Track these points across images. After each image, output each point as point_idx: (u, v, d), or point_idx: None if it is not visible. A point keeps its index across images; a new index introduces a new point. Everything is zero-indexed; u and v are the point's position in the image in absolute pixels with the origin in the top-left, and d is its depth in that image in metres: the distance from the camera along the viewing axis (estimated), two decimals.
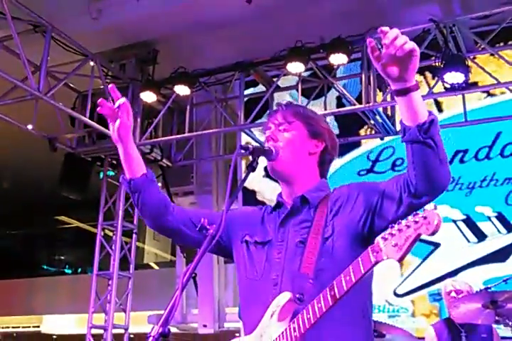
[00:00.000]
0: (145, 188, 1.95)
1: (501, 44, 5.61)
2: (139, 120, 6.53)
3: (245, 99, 6.42)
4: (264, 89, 6.29)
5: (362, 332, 1.75)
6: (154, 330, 1.41)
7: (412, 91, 1.52)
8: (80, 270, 12.04)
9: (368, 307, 1.79)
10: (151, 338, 1.40)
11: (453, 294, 4.22)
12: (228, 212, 2.00)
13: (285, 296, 1.68)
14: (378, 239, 1.48)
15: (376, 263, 1.48)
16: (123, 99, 1.90)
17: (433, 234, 1.38)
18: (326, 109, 6.00)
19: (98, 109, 1.92)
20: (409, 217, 1.44)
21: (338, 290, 1.53)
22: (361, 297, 1.76)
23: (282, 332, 1.64)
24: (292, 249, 1.78)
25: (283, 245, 1.81)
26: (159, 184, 7.38)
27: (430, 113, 1.56)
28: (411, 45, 1.46)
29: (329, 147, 1.94)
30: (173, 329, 8.18)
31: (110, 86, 1.94)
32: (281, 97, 6.70)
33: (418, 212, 1.44)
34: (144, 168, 1.99)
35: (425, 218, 1.40)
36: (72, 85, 6.50)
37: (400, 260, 1.43)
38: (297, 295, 1.64)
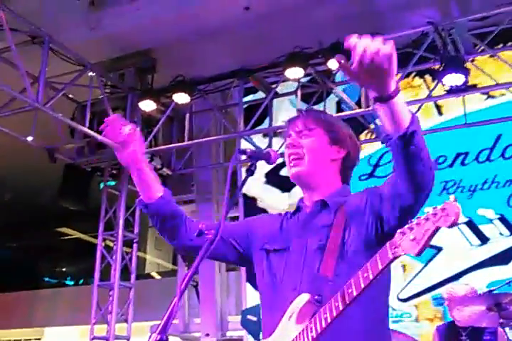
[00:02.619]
0: (163, 212, 1.95)
1: (500, 45, 5.61)
2: (138, 129, 6.49)
3: (244, 106, 6.43)
4: (263, 95, 6.29)
5: (377, 334, 1.74)
6: (152, 338, 1.39)
7: (392, 99, 1.47)
8: (81, 281, 11.99)
9: (386, 309, 1.79)
10: None
11: (446, 302, 4.24)
12: (248, 220, 2.06)
13: (303, 298, 1.67)
14: (397, 233, 1.46)
15: (394, 258, 1.46)
16: (134, 127, 1.94)
17: (452, 226, 1.36)
18: None
19: (106, 130, 1.92)
20: (429, 210, 1.42)
21: (356, 287, 1.51)
22: (379, 299, 1.75)
23: (300, 333, 1.63)
24: (311, 254, 1.77)
25: (302, 251, 1.80)
26: None
27: (412, 121, 1.50)
28: (385, 50, 1.39)
29: (351, 153, 1.93)
30: (176, 339, 8.12)
31: (114, 115, 1.99)
32: (281, 103, 6.71)
33: (437, 206, 1.40)
34: (161, 189, 1.97)
35: (444, 210, 1.37)
36: (71, 96, 6.50)
37: (418, 254, 1.40)
38: (316, 297, 1.63)
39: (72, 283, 12.43)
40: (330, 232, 1.76)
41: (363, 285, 1.50)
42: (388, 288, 1.80)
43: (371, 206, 1.73)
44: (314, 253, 1.76)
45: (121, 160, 1.96)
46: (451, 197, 1.38)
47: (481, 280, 5.60)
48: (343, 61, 1.44)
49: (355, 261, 1.70)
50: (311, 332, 1.59)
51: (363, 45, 1.39)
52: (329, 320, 1.55)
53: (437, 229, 1.38)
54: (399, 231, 1.46)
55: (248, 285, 7.09)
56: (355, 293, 1.51)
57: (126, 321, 6.50)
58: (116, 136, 1.92)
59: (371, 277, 1.49)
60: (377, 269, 1.48)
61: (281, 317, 1.71)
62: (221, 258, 2.01)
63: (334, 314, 1.54)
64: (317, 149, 1.88)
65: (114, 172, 6.86)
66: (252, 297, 7.02)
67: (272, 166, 7.10)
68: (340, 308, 1.53)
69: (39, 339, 10.97)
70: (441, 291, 5.82)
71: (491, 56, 5.49)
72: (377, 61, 1.38)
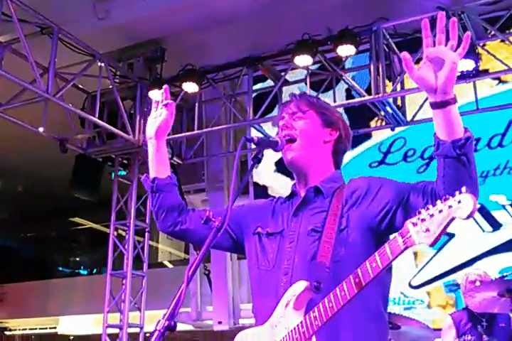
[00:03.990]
0: (168, 190, 2.00)
1: (511, 30, 5.55)
2: (148, 118, 6.52)
3: (254, 94, 6.40)
4: (272, 83, 6.27)
5: (378, 325, 1.74)
6: (160, 324, 1.40)
7: (450, 105, 1.49)
8: (95, 270, 12.10)
9: (386, 300, 1.78)
10: (157, 332, 1.40)
11: (477, 283, 4.18)
12: (239, 206, 2.04)
13: (301, 285, 1.64)
14: (407, 224, 1.44)
15: (406, 248, 1.45)
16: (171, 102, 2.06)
17: (468, 217, 1.35)
18: (335, 102, 5.96)
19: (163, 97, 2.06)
20: (440, 202, 1.40)
21: (363, 277, 1.49)
22: (381, 288, 1.74)
23: (301, 322, 1.60)
24: (304, 238, 1.77)
25: (295, 234, 1.80)
26: None
27: (466, 129, 1.53)
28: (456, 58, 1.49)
29: (343, 136, 1.94)
30: (189, 327, 8.20)
31: (165, 86, 2.10)
32: (290, 91, 6.67)
33: (449, 197, 1.39)
34: (169, 170, 2.04)
35: (459, 202, 1.36)
36: (80, 86, 6.51)
37: (433, 245, 1.39)
38: (314, 284, 1.60)
39: (85, 272, 12.55)
40: (326, 218, 1.75)
41: (372, 275, 1.48)
42: (389, 279, 1.79)
43: (390, 197, 1.70)
44: (308, 237, 1.76)
45: (149, 129, 2.09)
46: (463, 189, 1.37)
47: (493, 267, 5.58)
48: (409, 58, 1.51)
49: (355, 247, 1.70)
50: (316, 320, 1.57)
51: (454, 57, 1.50)
52: (335, 309, 1.53)
53: (453, 220, 1.38)
54: (409, 221, 1.44)
55: None
56: (363, 283, 1.49)
57: (139, 309, 6.56)
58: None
59: (381, 267, 1.47)
60: (387, 259, 1.46)
61: (274, 303, 1.69)
62: (217, 246, 1.99)
63: (341, 303, 1.52)
64: (310, 130, 1.89)
65: (125, 162, 6.88)
66: None
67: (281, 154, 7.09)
68: (348, 298, 1.51)
69: (54, 327, 11.11)
70: (455, 277, 5.84)
71: (502, 41, 5.43)
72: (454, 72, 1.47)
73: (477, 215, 5.98)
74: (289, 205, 1.90)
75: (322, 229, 1.73)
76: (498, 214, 5.90)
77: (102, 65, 6.16)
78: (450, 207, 1.38)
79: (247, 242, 1.94)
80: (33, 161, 9.01)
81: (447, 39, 1.52)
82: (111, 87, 6.30)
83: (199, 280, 7.75)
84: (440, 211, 1.39)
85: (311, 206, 1.83)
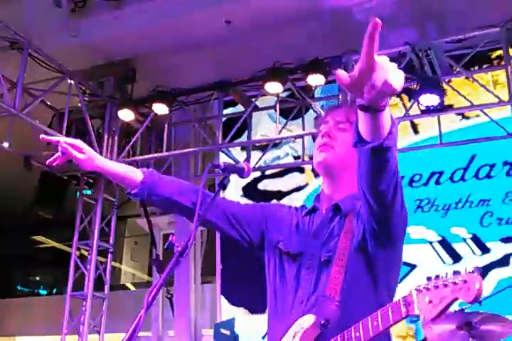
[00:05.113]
0: (151, 194, 1.93)
1: (476, 67, 5.71)
2: (116, 138, 6.50)
3: (224, 118, 6.44)
4: (242, 109, 6.32)
5: None
6: None
7: (381, 111, 1.37)
8: (55, 291, 11.82)
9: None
10: None
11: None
12: (265, 205, 2.03)
13: (309, 319, 1.64)
14: (412, 290, 1.42)
15: (407, 316, 1.42)
16: (60, 139, 1.91)
17: (474, 301, 1.29)
18: (304, 129, 6.03)
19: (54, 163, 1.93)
20: (449, 275, 1.36)
21: (364, 335, 1.49)
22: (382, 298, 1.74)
23: None
24: (320, 267, 1.76)
25: (312, 261, 1.79)
26: (136, 203, 7.31)
27: (390, 132, 1.42)
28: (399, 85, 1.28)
29: None
30: None
31: (41, 136, 1.96)
32: (260, 117, 6.74)
33: (459, 271, 1.34)
34: (140, 175, 1.94)
35: (465, 282, 1.32)
36: (49, 103, 6.45)
37: (434, 320, 1.35)
38: (322, 321, 1.60)
39: (45, 292, 12.24)
40: (338, 243, 1.73)
41: (371, 335, 1.48)
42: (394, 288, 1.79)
43: (360, 212, 1.71)
44: (323, 267, 1.75)
45: (87, 169, 1.95)
46: (474, 268, 1.32)
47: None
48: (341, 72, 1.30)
49: (357, 277, 1.70)
50: None
51: (391, 69, 1.27)
52: None
53: (455, 300, 1.33)
54: (414, 288, 1.42)
55: (223, 299, 7.05)
56: (362, 340, 1.50)
57: (98, 332, 6.41)
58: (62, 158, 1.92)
59: (381, 328, 1.47)
60: (388, 322, 1.46)
61: (285, 329, 1.70)
62: (226, 235, 1.97)
63: None
64: (350, 146, 1.76)
65: (90, 181, 6.80)
66: (226, 310, 6.98)
67: (249, 180, 7.11)
68: None
69: None
70: None
71: (467, 78, 5.58)
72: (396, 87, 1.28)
73: (438, 247, 6.05)
74: (309, 222, 1.88)
75: (332, 256, 1.73)
76: (458, 247, 5.98)
77: (72, 82, 6.11)
78: (455, 284, 1.33)
79: (268, 253, 1.93)
80: None
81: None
82: (80, 105, 6.26)
83: (161, 304, 7.63)
84: (445, 285, 1.35)
85: (328, 227, 1.82)
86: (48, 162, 1.93)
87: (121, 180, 1.95)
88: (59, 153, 1.90)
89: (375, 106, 1.33)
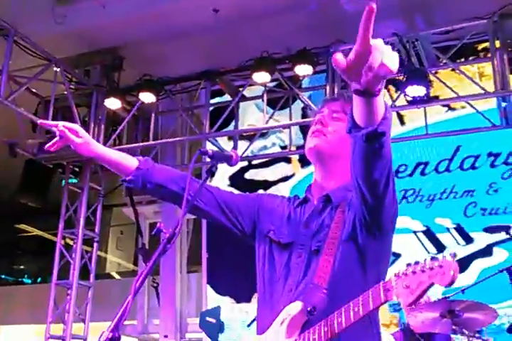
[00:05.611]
0: (146, 181, 1.92)
1: (462, 59, 5.76)
2: (102, 127, 6.46)
3: (211, 108, 6.43)
4: (230, 98, 6.31)
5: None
6: (104, 336, 1.39)
7: (375, 96, 1.36)
8: (39, 279, 11.77)
9: (376, 316, 1.79)
10: None
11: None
12: (259, 195, 2.04)
13: (296, 306, 1.66)
14: (392, 277, 1.45)
15: (386, 301, 1.45)
16: (59, 123, 1.88)
17: (449, 285, 1.33)
18: (291, 119, 6.05)
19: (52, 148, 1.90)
20: (426, 261, 1.39)
21: (346, 319, 1.52)
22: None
23: None
24: (309, 256, 1.77)
25: (302, 250, 1.79)
26: (122, 192, 7.30)
27: (384, 117, 1.43)
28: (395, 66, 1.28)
29: None
30: (134, 340, 8.05)
31: (39, 121, 1.96)
32: (247, 107, 6.73)
33: (437, 257, 1.37)
34: (135, 162, 1.94)
35: (441, 267, 1.35)
36: (34, 90, 6.39)
37: (410, 305, 1.39)
38: (308, 308, 1.62)
39: (29, 281, 12.19)
40: (328, 233, 1.75)
41: (352, 320, 1.51)
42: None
43: (352, 201, 1.72)
44: (313, 256, 1.76)
45: (83, 155, 1.94)
46: (450, 254, 1.35)
47: (436, 287, 5.69)
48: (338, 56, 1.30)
49: (347, 266, 1.71)
50: None
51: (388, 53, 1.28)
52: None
53: (431, 285, 1.36)
54: (394, 273, 1.45)
55: (209, 288, 7.08)
56: (344, 325, 1.53)
57: (83, 321, 6.42)
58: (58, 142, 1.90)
59: (361, 313, 1.50)
60: (368, 308, 1.49)
61: (273, 316, 1.72)
62: (215, 221, 1.97)
63: (323, 339, 1.57)
64: (343, 135, 1.70)
65: (76, 169, 6.77)
66: (212, 299, 7.01)
67: (236, 169, 7.12)
68: (329, 335, 1.55)
69: None
70: None
71: (453, 69, 5.62)
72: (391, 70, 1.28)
73: (422, 237, 6.12)
74: (301, 212, 1.88)
75: (322, 245, 1.74)
76: (442, 237, 6.05)
77: (58, 70, 6.06)
78: (431, 269, 1.36)
79: (258, 241, 1.93)
80: None
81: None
82: (65, 92, 6.21)
83: (147, 292, 7.65)
84: (422, 271, 1.39)
85: (319, 218, 1.82)
86: (46, 147, 1.91)
87: (116, 167, 1.94)
88: (57, 138, 1.88)
89: (370, 90, 1.34)
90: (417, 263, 1.41)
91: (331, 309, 1.59)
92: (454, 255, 1.35)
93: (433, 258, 1.38)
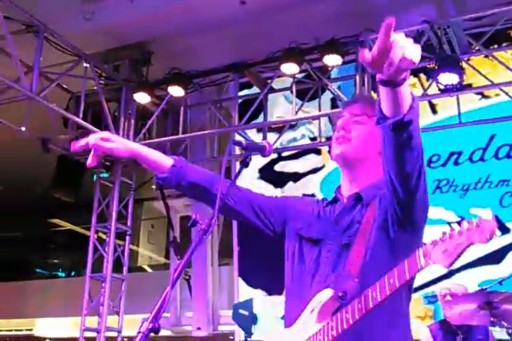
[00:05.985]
0: (180, 179, 1.92)
1: (495, 46, 5.61)
2: (132, 121, 6.51)
3: (239, 100, 6.41)
4: (258, 90, 6.28)
5: (400, 332, 1.75)
6: (144, 326, 1.38)
7: (400, 86, 1.40)
8: (73, 273, 11.98)
9: (406, 305, 1.78)
10: (140, 334, 1.37)
11: (448, 298, 4.20)
12: (287, 197, 2.07)
13: (327, 293, 1.67)
14: (427, 244, 1.45)
15: (422, 268, 1.46)
16: (88, 139, 1.83)
17: (487, 241, 1.35)
18: (320, 111, 6.00)
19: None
20: (463, 224, 1.40)
21: (381, 293, 1.52)
22: (400, 297, 1.74)
23: (320, 330, 1.64)
24: (339, 251, 1.78)
25: (332, 246, 1.80)
26: (153, 186, 7.35)
27: (411, 106, 1.45)
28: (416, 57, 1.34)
29: None
30: (167, 332, 8.14)
31: (72, 144, 1.87)
32: (276, 99, 6.70)
33: (472, 220, 1.38)
34: (169, 160, 1.94)
35: (478, 226, 1.36)
36: (65, 86, 6.46)
37: (449, 266, 1.40)
38: (340, 294, 1.63)
39: (63, 274, 12.41)
40: (359, 228, 1.76)
41: (388, 292, 1.51)
42: (411, 286, 1.80)
43: (385, 197, 1.72)
44: (343, 251, 1.77)
45: (123, 156, 1.91)
46: (489, 213, 1.35)
47: (472, 279, 5.61)
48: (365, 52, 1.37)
49: (378, 255, 1.72)
50: (332, 330, 1.61)
51: (408, 46, 1.32)
52: (351, 322, 1.57)
53: (470, 244, 1.37)
54: (430, 241, 1.45)
55: (240, 280, 7.10)
56: (379, 299, 1.52)
57: (117, 313, 6.50)
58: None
59: (397, 285, 1.49)
60: (404, 278, 1.49)
61: (303, 307, 1.73)
62: (248, 223, 1.99)
63: (357, 316, 1.56)
64: (368, 138, 1.82)
65: (108, 164, 6.83)
66: (244, 291, 7.03)
67: (266, 161, 7.10)
68: (363, 311, 1.54)
69: (30, 329, 10.96)
70: (434, 289, 5.87)
71: (486, 56, 5.49)
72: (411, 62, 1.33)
73: (457, 228, 6.02)
74: (331, 211, 1.90)
75: (354, 241, 1.75)
76: None
77: (88, 65, 6.11)
78: (468, 230, 1.37)
79: (288, 240, 1.94)
80: (14, 161, 8.90)
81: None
82: (96, 88, 6.26)
83: (179, 285, 7.70)
84: (460, 233, 1.39)
85: (349, 215, 1.83)
86: (87, 163, 1.85)
87: (152, 164, 1.94)
88: (92, 153, 1.84)
89: (394, 80, 1.39)
90: (452, 228, 1.42)
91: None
92: (494, 215, 1.36)
93: (470, 221, 1.39)
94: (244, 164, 1.75)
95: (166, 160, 1.94)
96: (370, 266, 1.69)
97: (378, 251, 1.72)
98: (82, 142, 1.85)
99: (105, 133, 1.88)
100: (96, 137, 1.84)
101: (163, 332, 8.15)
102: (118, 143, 1.87)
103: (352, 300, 1.59)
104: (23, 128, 6.06)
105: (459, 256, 1.39)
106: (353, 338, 1.63)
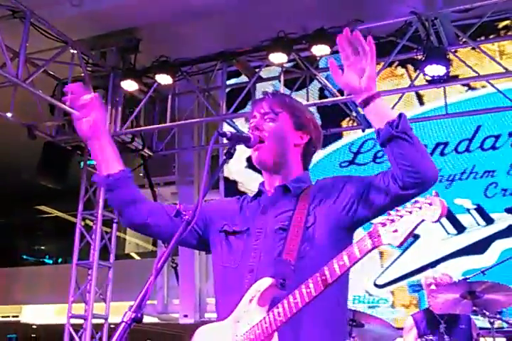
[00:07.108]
0: (124, 185, 1.91)
1: (482, 38, 5.64)
2: (120, 109, 6.46)
3: (227, 89, 6.39)
4: (246, 79, 6.27)
5: (334, 320, 1.75)
6: (127, 316, 1.40)
7: (376, 98, 1.64)
8: (60, 260, 11.97)
9: (343, 297, 1.79)
10: (123, 324, 1.39)
11: (433, 287, 4.26)
12: (205, 203, 1.99)
13: (266, 281, 1.64)
14: (376, 225, 1.47)
15: (373, 248, 1.47)
16: (96, 95, 1.87)
17: (437, 220, 1.38)
18: (308, 100, 6.00)
19: (69, 99, 1.85)
20: (409, 205, 1.43)
21: (331, 274, 1.51)
22: (338, 286, 1.72)
23: (265, 317, 1.61)
24: (271, 236, 1.77)
25: (261, 232, 1.79)
26: (140, 174, 7.34)
27: (400, 114, 1.63)
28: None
29: (314, 139, 1.93)
30: (154, 319, 8.18)
31: (67, 86, 1.87)
32: (264, 88, 6.69)
33: (419, 199, 1.43)
34: (121, 164, 1.93)
35: (430, 204, 1.38)
36: (51, 72, 6.40)
37: (400, 245, 1.43)
38: (280, 281, 1.61)
39: (51, 261, 12.40)
40: (292, 216, 1.75)
41: (338, 273, 1.50)
42: (347, 277, 1.80)
43: (352, 191, 1.73)
44: (275, 235, 1.76)
45: (81, 132, 1.89)
46: (434, 192, 1.40)
47: (456, 269, 5.69)
48: (335, 64, 1.71)
49: (322, 243, 1.72)
50: (279, 316, 1.57)
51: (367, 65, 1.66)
52: (300, 305, 1.54)
53: (422, 221, 1.40)
54: (379, 221, 1.46)
55: None
56: (329, 281, 1.51)
57: (104, 300, 6.51)
58: (77, 103, 1.86)
59: (348, 265, 1.50)
60: (355, 258, 1.49)
61: (237, 299, 1.69)
62: (183, 242, 1.94)
63: (306, 300, 1.54)
64: (281, 133, 1.87)
65: None
66: None
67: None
68: (313, 294, 1.53)
69: (16, 316, 10.96)
70: (419, 278, 5.95)
71: (473, 48, 5.51)
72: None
73: (443, 218, 6.09)
74: (256, 204, 1.89)
75: (288, 227, 1.73)
76: (462, 218, 6.02)
77: (75, 52, 6.05)
78: (420, 208, 1.40)
79: (213, 239, 1.92)
80: (0, 147, 8.84)
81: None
82: (82, 74, 6.21)
83: (166, 273, 7.74)
84: (410, 212, 1.42)
85: (278, 204, 1.83)
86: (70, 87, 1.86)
87: (109, 158, 1.92)
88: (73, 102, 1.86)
89: (371, 94, 1.65)
90: (398, 210, 1.45)
91: (299, 284, 1.57)
92: (437, 193, 1.41)
93: (416, 201, 1.42)
94: (229, 155, 1.75)
95: (119, 163, 1.93)
96: (310, 256, 1.69)
97: (323, 246, 1.71)
98: (85, 96, 1.84)
99: (98, 99, 1.88)
100: (89, 103, 1.84)
101: (150, 319, 8.19)
102: (95, 119, 1.87)
103: (292, 287, 1.58)
104: (9, 115, 6.01)
105: (410, 234, 1.41)
106: (293, 325, 1.62)
